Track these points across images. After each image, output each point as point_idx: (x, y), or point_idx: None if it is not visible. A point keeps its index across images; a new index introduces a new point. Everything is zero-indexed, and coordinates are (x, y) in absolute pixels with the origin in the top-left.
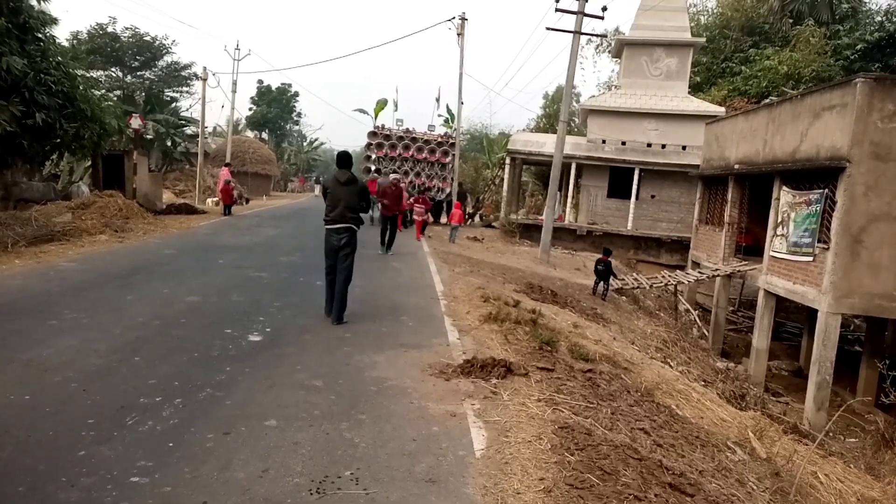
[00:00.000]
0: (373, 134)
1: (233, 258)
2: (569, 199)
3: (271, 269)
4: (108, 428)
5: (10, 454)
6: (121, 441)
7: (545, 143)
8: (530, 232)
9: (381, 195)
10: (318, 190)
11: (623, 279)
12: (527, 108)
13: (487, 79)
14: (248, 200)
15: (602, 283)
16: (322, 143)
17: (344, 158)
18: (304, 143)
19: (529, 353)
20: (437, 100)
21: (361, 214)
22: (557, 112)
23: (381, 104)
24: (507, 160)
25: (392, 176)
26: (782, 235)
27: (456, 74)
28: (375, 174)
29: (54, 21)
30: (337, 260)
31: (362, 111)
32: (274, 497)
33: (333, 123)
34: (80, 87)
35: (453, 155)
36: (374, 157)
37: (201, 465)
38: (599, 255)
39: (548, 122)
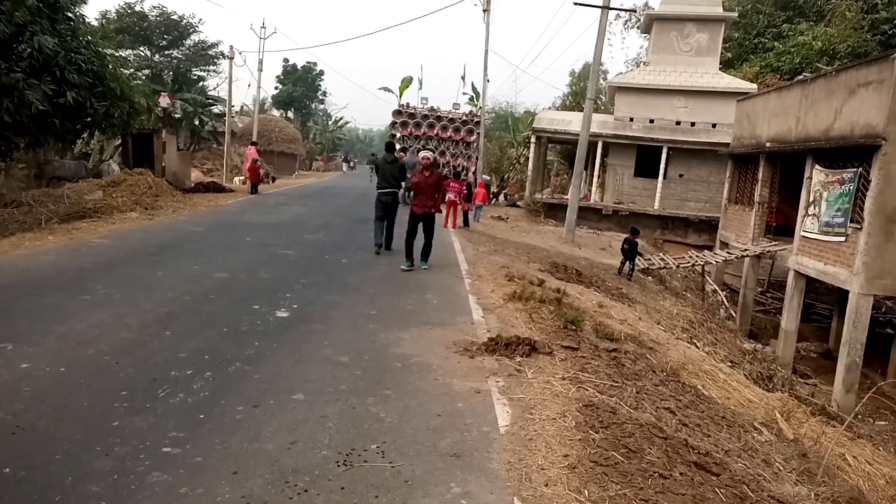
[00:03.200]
0: (398, 112)
1: (260, 236)
2: (595, 179)
3: (297, 247)
4: (141, 399)
5: (47, 424)
6: (153, 412)
7: (571, 122)
8: (555, 211)
9: (414, 185)
10: (345, 168)
11: (650, 259)
12: (553, 86)
13: (513, 56)
14: (274, 179)
15: (628, 262)
16: (347, 122)
17: (389, 145)
18: (329, 122)
19: (554, 331)
20: (463, 78)
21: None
22: (584, 90)
23: (406, 82)
24: (533, 139)
25: (422, 154)
26: (814, 215)
27: (481, 52)
28: (402, 152)
29: (84, 0)
30: (386, 213)
31: (387, 90)
32: (302, 468)
33: (358, 102)
34: (110, 66)
35: (478, 133)
36: (399, 135)
37: (231, 437)
38: (626, 235)
39: (574, 100)
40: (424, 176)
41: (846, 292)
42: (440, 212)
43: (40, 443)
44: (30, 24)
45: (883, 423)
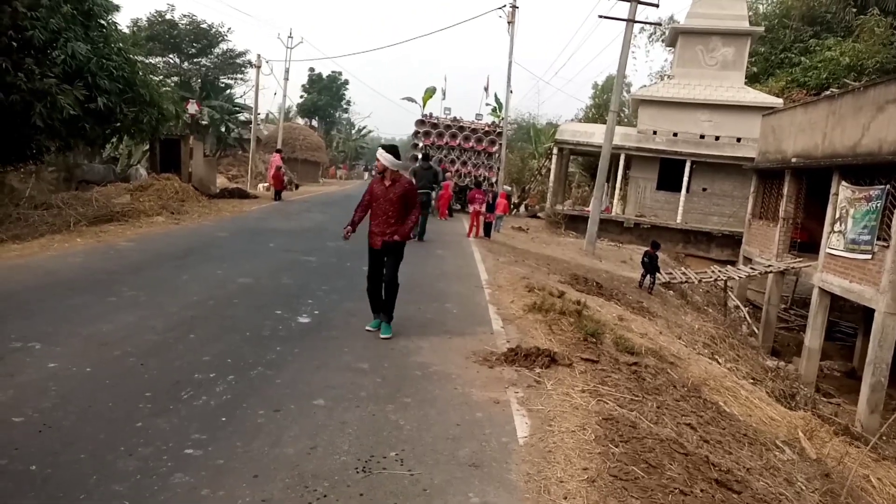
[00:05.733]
0: (421, 122)
1: (283, 242)
2: (616, 191)
3: (319, 254)
4: (165, 401)
5: (72, 423)
6: (176, 414)
7: (594, 134)
8: (576, 223)
9: (369, 201)
10: (366, 176)
11: (671, 272)
12: (576, 98)
13: (536, 68)
14: (297, 186)
15: (649, 276)
16: (370, 131)
17: (425, 156)
18: (353, 131)
19: (574, 343)
20: (486, 88)
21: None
22: (607, 102)
23: (430, 92)
24: (555, 150)
25: (380, 153)
26: (840, 232)
27: (505, 62)
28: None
29: (116, 8)
30: (422, 206)
31: (411, 99)
32: (322, 473)
33: (382, 112)
34: (140, 73)
35: (500, 144)
36: (421, 145)
37: (252, 440)
38: (646, 248)
39: (597, 113)
40: (384, 186)
41: (871, 311)
42: (411, 238)
43: (66, 442)
44: (64, 30)
45: None
